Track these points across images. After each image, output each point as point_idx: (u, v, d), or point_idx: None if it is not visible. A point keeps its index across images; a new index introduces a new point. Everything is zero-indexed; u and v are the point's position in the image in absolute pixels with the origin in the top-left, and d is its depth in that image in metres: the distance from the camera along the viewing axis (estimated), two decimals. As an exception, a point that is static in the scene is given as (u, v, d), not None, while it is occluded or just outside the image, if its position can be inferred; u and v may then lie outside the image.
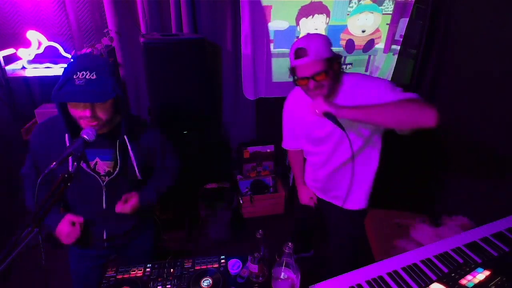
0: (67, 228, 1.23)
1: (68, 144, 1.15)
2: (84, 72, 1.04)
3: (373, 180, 1.59)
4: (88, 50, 2.14)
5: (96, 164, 1.25)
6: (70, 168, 1.01)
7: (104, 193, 1.29)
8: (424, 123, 1.15)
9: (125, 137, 1.23)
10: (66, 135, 1.16)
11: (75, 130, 1.14)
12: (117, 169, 1.25)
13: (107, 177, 1.26)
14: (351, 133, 1.38)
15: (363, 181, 1.58)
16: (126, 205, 1.30)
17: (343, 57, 1.39)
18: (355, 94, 1.32)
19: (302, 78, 1.27)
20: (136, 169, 1.28)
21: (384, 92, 1.25)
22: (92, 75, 1.04)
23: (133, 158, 1.26)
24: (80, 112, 1.09)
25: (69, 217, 1.25)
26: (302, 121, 1.55)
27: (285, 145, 1.77)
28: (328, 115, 1.22)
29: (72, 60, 1.11)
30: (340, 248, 1.82)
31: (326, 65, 1.24)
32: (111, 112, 1.15)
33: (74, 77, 1.04)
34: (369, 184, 1.60)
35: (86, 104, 1.07)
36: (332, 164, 1.55)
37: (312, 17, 2.46)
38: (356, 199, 1.62)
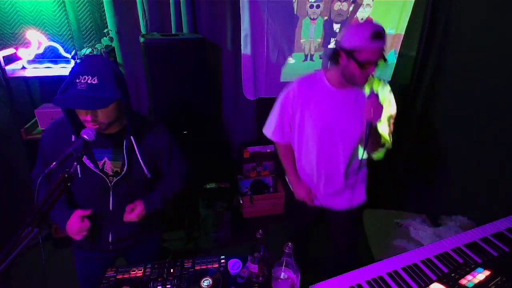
0: (78, 224, 1.22)
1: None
2: (86, 77, 1.04)
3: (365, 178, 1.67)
4: (88, 50, 2.14)
5: (104, 164, 1.25)
6: (72, 169, 1.01)
7: (111, 194, 1.28)
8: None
9: (132, 138, 1.23)
10: (73, 136, 1.17)
11: (82, 129, 1.14)
12: (125, 169, 1.24)
13: (114, 178, 1.26)
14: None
15: (359, 181, 1.63)
16: (132, 214, 1.31)
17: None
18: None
19: (369, 62, 1.25)
20: (144, 168, 1.28)
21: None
22: (94, 80, 1.04)
23: (140, 158, 1.26)
24: (82, 115, 1.10)
25: (78, 213, 1.24)
26: (314, 109, 1.46)
27: (275, 137, 1.64)
28: (369, 123, 1.29)
29: (79, 61, 1.11)
30: (342, 250, 1.82)
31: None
32: (114, 114, 1.15)
33: (77, 80, 1.04)
34: (362, 183, 1.67)
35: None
36: (334, 162, 1.54)
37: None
38: (358, 196, 1.65)
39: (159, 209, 1.40)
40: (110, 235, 1.37)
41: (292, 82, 1.53)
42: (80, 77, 1.04)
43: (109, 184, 1.26)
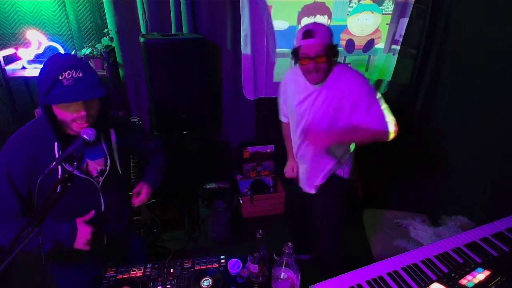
0: (88, 229, 1.14)
1: (57, 154, 1.09)
2: (70, 71, 1.00)
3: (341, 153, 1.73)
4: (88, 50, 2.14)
5: (87, 166, 1.20)
6: (71, 169, 0.99)
7: (101, 195, 1.25)
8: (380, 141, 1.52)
9: (112, 130, 1.23)
10: (56, 143, 1.09)
11: (62, 137, 1.10)
12: (108, 163, 1.23)
13: (101, 178, 1.23)
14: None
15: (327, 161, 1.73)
16: (141, 196, 1.37)
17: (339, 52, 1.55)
18: (338, 84, 1.51)
19: (305, 58, 1.43)
20: (118, 164, 1.27)
21: (363, 103, 1.48)
22: (79, 73, 1.02)
23: (116, 152, 1.25)
24: (73, 114, 1.05)
25: (80, 220, 1.16)
26: (294, 99, 1.68)
27: (281, 117, 1.94)
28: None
29: (48, 61, 1.06)
30: (319, 234, 1.93)
31: (328, 50, 1.42)
32: (101, 108, 1.13)
33: (60, 78, 1.00)
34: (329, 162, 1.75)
35: (79, 104, 1.04)
36: (304, 146, 1.73)
37: (314, 17, 2.46)
38: (319, 176, 1.76)
39: (161, 182, 1.49)
40: (104, 237, 1.33)
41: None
42: (63, 73, 1.00)
43: (98, 186, 1.23)
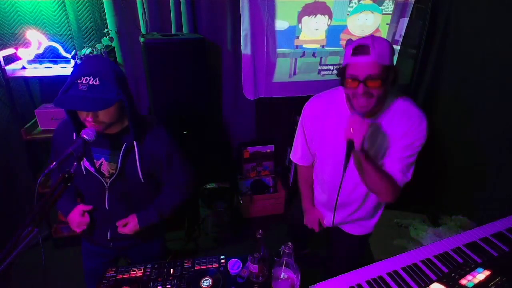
0: (78, 218, 1.29)
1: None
2: (88, 78, 1.03)
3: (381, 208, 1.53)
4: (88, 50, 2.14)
5: (101, 164, 1.25)
6: (71, 169, 1.00)
7: (107, 194, 1.29)
8: (378, 198, 1.37)
9: (135, 142, 1.21)
10: (74, 133, 1.19)
11: (83, 128, 1.14)
12: (117, 171, 1.24)
13: (109, 179, 1.26)
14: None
15: (372, 206, 1.49)
16: (125, 229, 1.31)
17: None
18: (392, 122, 1.22)
19: (353, 79, 1.10)
20: (140, 173, 1.25)
21: (409, 146, 1.22)
22: (96, 81, 1.03)
23: (138, 163, 1.23)
24: (83, 116, 1.10)
25: (80, 207, 1.30)
26: (328, 131, 1.35)
27: (295, 157, 1.57)
28: (350, 143, 1.12)
29: (81, 61, 1.11)
30: (337, 266, 1.71)
31: (385, 72, 1.09)
32: (116, 115, 1.14)
33: (78, 81, 1.03)
34: (377, 211, 1.53)
35: None
36: (347, 188, 1.42)
37: (315, 16, 2.46)
38: (364, 224, 1.56)
39: (155, 223, 1.35)
40: (108, 232, 1.38)
41: (310, 100, 1.43)
42: (82, 78, 1.03)
43: (105, 185, 1.27)
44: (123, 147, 1.20)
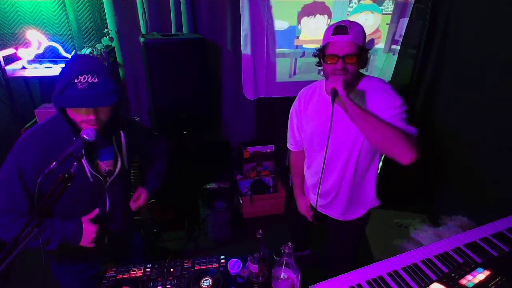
0: (93, 228, 1.18)
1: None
2: (86, 76, 1.02)
3: (374, 186, 1.54)
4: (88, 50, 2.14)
5: (97, 166, 1.23)
6: (72, 169, 1.00)
7: (107, 195, 1.27)
8: (398, 160, 1.18)
9: (122, 133, 1.23)
10: (74, 138, 1.11)
11: (77, 131, 1.12)
12: (118, 165, 1.24)
13: (108, 178, 1.25)
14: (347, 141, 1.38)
15: (362, 191, 1.53)
16: (140, 201, 1.42)
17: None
18: (368, 97, 1.31)
19: (332, 56, 1.23)
20: (126, 162, 1.29)
21: (392, 107, 1.24)
22: (94, 78, 1.03)
23: (125, 153, 1.27)
24: (82, 116, 1.07)
25: (86, 218, 1.19)
26: (311, 119, 1.48)
27: (291, 145, 1.72)
28: (333, 92, 1.20)
29: (70, 61, 1.09)
30: (339, 253, 1.77)
31: (359, 51, 1.23)
32: (111, 112, 1.15)
33: (76, 81, 1.02)
34: (369, 191, 1.54)
35: (88, 108, 1.06)
36: (330, 174, 1.50)
37: (314, 16, 2.46)
38: (354, 211, 1.58)
39: (159, 187, 1.54)
40: (105, 237, 1.34)
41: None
42: (79, 77, 1.02)
43: (105, 186, 1.25)
44: (114, 139, 1.22)
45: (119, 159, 1.24)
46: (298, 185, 1.78)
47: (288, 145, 1.74)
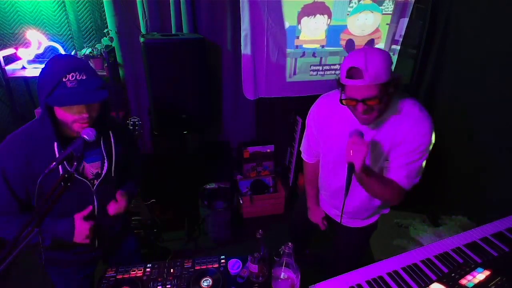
0: (86, 225, 1.18)
1: (57, 153, 1.09)
2: (74, 74, 1.01)
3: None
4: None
5: (83, 168, 1.19)
6: (72, 169, 0.99)
7: (95, 198, 1.24)
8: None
9: (111, 133, 1.22)
10: (55, 143, 1.09)
11: (61, 137, 1.11)
12: (105, 167, 1.22)
13: (96, 181, 1.22)
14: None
15: (376, 202, 1.47)
16: (119, 205, 1.29)
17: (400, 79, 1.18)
18: (399, 126, 1.20)
19: (351, 99, 1.11)
20: (113, 166, 1.25)
21: (412, 155, 1.20)
22: (82, 76, 1.02)
23: (114, 153, 1.24)
24: (74, 115, 1.05)
25: (79, 216, 1.18)
26: (333, 130, 1.36)
27: (305, 156, 1.63)
28: (350, 166, 1.12)
29: (50, 62, 1.07)
30: (348, 257, 1.74)
31: (382, 90, 1.08)
32: (101, 110, 1.13)
33: (64, 80, 1.00)
34: (377, 204, 1.48)
35: (81, 106, 1.04)
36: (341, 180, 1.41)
37: (314, 16, 2.46)
38: (362, 217, 1.56)
39: (135, 194, 1.49)
40: (96, 240, 1.32)
41: (318, 99, 1.46)
42: (67, 75, 1.00)
43: (92, 189, 1.22)
44: (102, 141, 1.20)
45: (105, 161, 1.21)
46: (313, 196, 1.69)
47: (303, 156, 1.64)
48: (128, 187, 1.40)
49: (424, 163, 1.24)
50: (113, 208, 1.28)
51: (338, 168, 1.40)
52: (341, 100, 1.15)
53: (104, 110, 1.16)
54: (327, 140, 1.40)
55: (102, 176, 1.22)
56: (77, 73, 1.01)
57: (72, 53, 2.21)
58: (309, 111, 1.46)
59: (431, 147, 1.22)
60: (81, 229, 1.18)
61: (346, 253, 1.73)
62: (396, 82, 1.14)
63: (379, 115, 1.17)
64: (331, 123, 1.35)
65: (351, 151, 1.10)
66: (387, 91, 1.11)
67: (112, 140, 1.24)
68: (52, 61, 1.06)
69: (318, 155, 1.55)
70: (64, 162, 1.04)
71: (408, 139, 1.19)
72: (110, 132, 1.22)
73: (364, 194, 1.34)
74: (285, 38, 2.47)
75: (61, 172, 1.09)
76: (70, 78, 1.01)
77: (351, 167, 1.12)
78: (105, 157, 1.22)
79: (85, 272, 1.40)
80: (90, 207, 1.22)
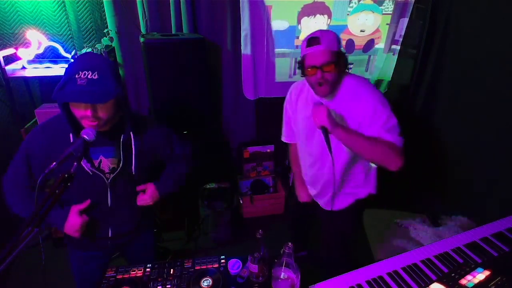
0: (78, 219, 1.23)
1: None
2: (86, 72, 1.04)
3: (362, 178, 1.60)
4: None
5: (100, 162, 1.25)
6: (72, 169, 1.00)
7: (109, 191, 1.29)
8: (389, 169, 1.32)
9: (131, 133, 1.24)
10: (71, 134, 1.16)
11: (78, 129, 1.14)
12: (121, 164, 1.25)
13: (111, 174, 1.26)
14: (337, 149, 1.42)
15: (349, 185, 1.61)
16: (145, 195, 1.36)
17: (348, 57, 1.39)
18: (351, 100, 1.37)
19: (311, 67, 1.31)
20: (133, 165, 1.28)
21: (378, 119, 1.31)
22: (94, 75, 1.04)
23: (134, 154, 1.27)
24: (81, 112, 1.09)
25: (75, 208, 1.24)
26: (299, 114, 1.57)
27: (284, 138, 1.81)
28: (323, 129, 1.28)
29: (76, 58, 1.11)
30: (329, 246, 1.85)
31: (335, 57, 1.30)
32: (112, 111, 1.15)
33: (76, 76, 1.03)
34: (358, 182, 1.61)
35: (87, 104, 1.07)
36: (317, 167, 1.60)
37: (314, 16, 2.46)
38: (341, 201, 1.65)
39: (171, 191, 1.45)
40: (109, 230, 1.38)
41: (290, 87, 1.66)
42: (80, 72, 1.04)
43: (107, 182, 1.27)
44: (121, 139, 1.22)
45: (121, 157, 1.25)
46: (298, 174, 1.84)
47: (282, 138, 1.82)
48: (165, 179, 1.45)
49: (396, 121, 1.33)
50: (140, 200, 1.37)
51: (310, 145, 1.56)
52: (303, 72, 1.37)
53: (117, 111, 1.17)
54: (299, 120, 1.58)
55: (117, 171, 1.26)
56: (90, 71, 1.04)
57: (72, 53, 2.21)
58: (286, 97, 1.68)
59: (387, 105, 1.34)
60: (73, 222, 1.23)
61: (326, 239, 1.84)
62: (345, 57, 1.35)
63: (332, 88, 1.37)
64: (300, 102, 1.56)
65: (316, 116, 1.28)
66: (339, 62, 1.32)
67: (132, 136, 1.25)
68: (77, 58, 1.11)
69: (293, 135, 1.74)
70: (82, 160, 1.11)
71: (364, 115, 1.33)
72: (130, 128, 1.24)
73: (345, 156, 1.48)
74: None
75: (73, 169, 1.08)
76: (82, 75, 1.04)
77: (324, 130, 1.28)
78: (121, 156, 1.25)
79: (100, 261, 1.46)
80: (89, 201, 1.26)
